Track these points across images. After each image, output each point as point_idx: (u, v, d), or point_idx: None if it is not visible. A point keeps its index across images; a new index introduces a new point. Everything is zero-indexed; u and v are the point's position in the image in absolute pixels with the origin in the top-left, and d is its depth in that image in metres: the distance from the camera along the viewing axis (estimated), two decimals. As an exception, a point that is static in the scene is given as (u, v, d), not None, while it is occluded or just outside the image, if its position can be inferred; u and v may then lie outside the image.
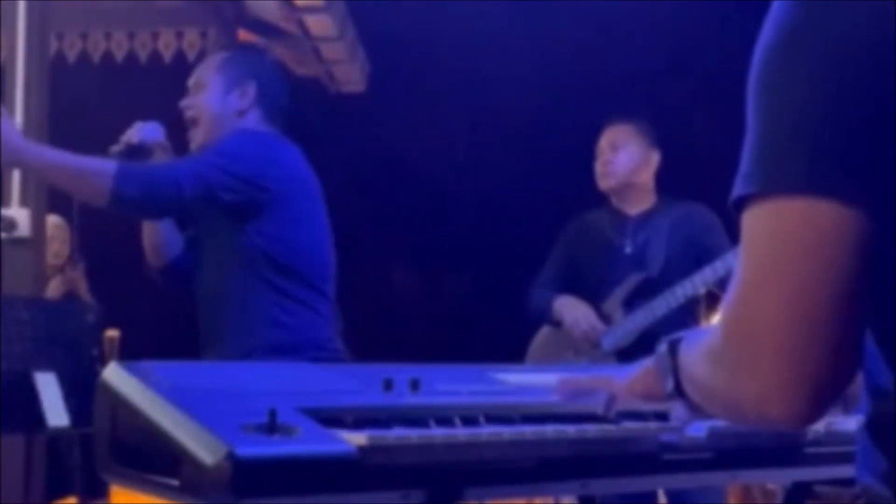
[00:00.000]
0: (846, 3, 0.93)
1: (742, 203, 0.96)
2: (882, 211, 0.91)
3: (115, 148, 3.03)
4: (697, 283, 3.68)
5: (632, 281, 3.85)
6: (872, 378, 1.00)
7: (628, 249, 3.91)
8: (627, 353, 3.73)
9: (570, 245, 4.12)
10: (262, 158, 2.90)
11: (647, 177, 3.97)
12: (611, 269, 3.91)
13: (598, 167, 3.99)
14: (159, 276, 3.19)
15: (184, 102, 3.08)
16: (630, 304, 3.84)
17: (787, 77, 0.94)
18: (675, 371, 1.26)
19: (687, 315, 3.75)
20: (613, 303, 3.87)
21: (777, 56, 0.96)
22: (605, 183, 3.98)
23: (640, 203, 3.96)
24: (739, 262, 0.96)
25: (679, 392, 1.27)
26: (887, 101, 0.90)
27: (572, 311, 3.90)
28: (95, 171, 2.77)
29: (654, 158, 3.98)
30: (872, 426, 1.00)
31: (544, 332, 4.05)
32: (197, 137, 3.04)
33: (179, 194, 2.78)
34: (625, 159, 3.94)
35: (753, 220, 0.95)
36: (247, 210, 2.85)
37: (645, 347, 4.02)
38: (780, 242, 0.93)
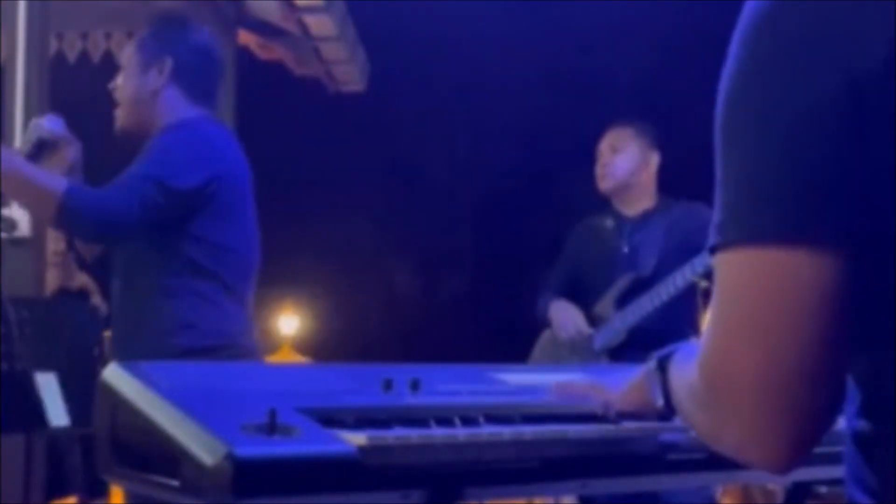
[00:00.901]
0: (816, 39, 0.90)
1: (716, 249, 0.95)
2: (864, 249, 0.89)
3: (23, 148, 2.97)
4: (678, 281, 3.73)
5: (623, 281, 3.92)
6: (871, 391, 0.98)
7: (625, 250, 3.99)
8: (618, 352, 3.83)
9: (574, 248, 4.22)
10: (196, 164, 2.84)
11: (646, 178, 4.03)
12: (609, 270, 4.00)
13: (598, 169, 4.07)
14: (95, 268, 3.17)
15: (110, 84, 3.05)
16: (622, 303, 3.90)
17: (755, 121, 0.92)
18: (665, 390, 1.27)
19: (680, 309, 3.79)
20: (606, 303, 3.95)
21: (744, 98, 0.93)
22: (603, 185, 4.05)
23: (639, 204, 4.02)
24: (713, 310, 0.95)
25: (670, 409, 1.27)
26: (855, 144, 0.88)
27: (560, 315, 3.99)
28: (44, 188, 2.72)
29: (654, 160, 4.03)
30: (864, 442, 0.98)
31: (546, 334, 4.14)
32: (119, 119, 3.00)
33: (129, 221, 2.75)
34: (623, 161, 4.00)
35: (727, 269, 0.93)
36: (181, 217, 2.82)
37: (633, 345, 4.10)
38: (755, 291, 0.91)
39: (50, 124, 2.98)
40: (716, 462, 1.71)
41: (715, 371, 0.95)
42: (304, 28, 6.39)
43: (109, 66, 6.41)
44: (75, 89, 5.82)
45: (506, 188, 9.74)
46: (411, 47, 9.18)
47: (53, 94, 4.01)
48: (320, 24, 6.41)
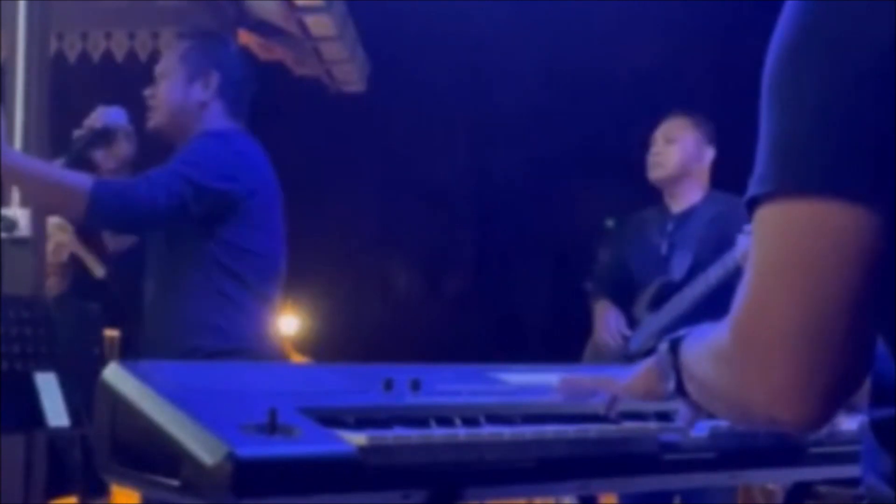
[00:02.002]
0: (862, 4, 0.92)
1: (755, 203, 0.95)
2: None
3: (79, 133, 3.01)
4: (710, 280, 3.66)
5: (655, 284, 3.84)
6: (880, 379, 0.99)
7: (663, 250, 3.88)
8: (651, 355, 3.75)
9: (618, 242, 4.12)
10: (228, 168, 2.90)
11: (698, 172, 3.90)
12: (648, 269, 3.90)
13: (650, 157, 3.93)
14: (116, 263, 3.20)
15: (147, 91, 3.07)
16: (655, 306, 3.83)
17: (801, 78, 0.93)
18: (677, 370, 1.26)
19: (717, 309, 3.70)
20: (640, 306, 3.87)
21: (790, 56, 0.95)
22: (654, 174, 3.93)
23: (686, 199, 3.90)
24: (750, 263, 0.95)
25: (681, 392, 1.27)
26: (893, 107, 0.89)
27: (601, 317, 3.94)
28: (72, 185, 2.76)
29: (708, 155, 3.91)
30: (879, 427, 0.99)
31: (593, 337, 4.07)
32: (153, 119, 3.04)
33: (155, 211, 2.80)
34: (677, 152, 3.88)
35: (765, 221, 0.94)
36: (210, 218, 2.87)
37: None
38: (792, 244, 0.92)
39: (113, 116, 3.03)
40: (716, 462, 1.71)
41: (748, 320, 0.95)
42: (304, 28, 6.39)
43: (109, 66, 6.41)
44: (75, 89, 5.82)
45: (506, 188, 9.74)
46: (411, 47, 9.18)
47: (53, 94, 4.00)
48: (320, 24, 6.41)
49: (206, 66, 3.02)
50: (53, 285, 5.14)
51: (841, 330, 0.91)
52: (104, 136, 3.01)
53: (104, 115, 3.03)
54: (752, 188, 0.95)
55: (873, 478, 0.98)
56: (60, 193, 2.79)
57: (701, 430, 1.63)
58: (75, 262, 5.54)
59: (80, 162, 3.03)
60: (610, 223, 4.85)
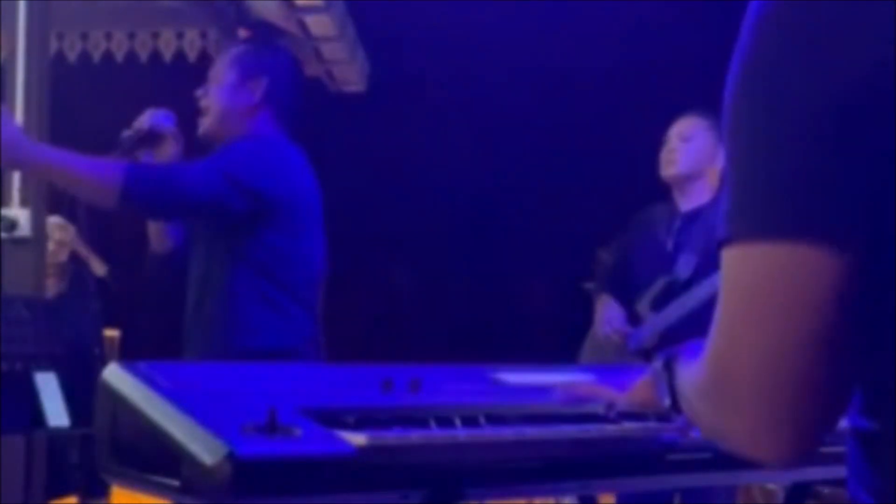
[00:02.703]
0: (837, 25, 0.89)
1: (724, 245, 0.94)
2: (871, 250, 0.89)
3: (127, 133, 3.04)
4: (715, 282, 3.64)
5: (659, 283, 3.83)
6: (870, 387, 0.98)
7: (669, 248, 3.86)
8: (651, 355, 3.72)
9: (627, 237, 4.10)
10: (270, 170, 2.92)
11: (710, 172, 3.87)
12: (653, 267, 3.87)
13: (663, 155, 3.91)
14: (160, 264, 3.21)
15: (198, 92, 3.12)
16: (658, 305, 3.82)
17: (767, 109, 0.91)
18: (672, 390, 1.26)
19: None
20: (644, 304, 3.86)
21: (754, 80, 0.93)
22: (667, 171, 3.90)
23: (695, 198, 3.87)
24: (720, 303, 0.95)
25: (677, 410, 1.27)
26: (859, 145, 0.88)
27: (602, 312, 3.92)
28: (104, 172, 2.77)
29: (721, 155, 3.88)
30: (865, 439, 0.98)
31: (592, 329, 4.06)
32: (204, 125, 3.07)
33: (188, 199, 2.81)
34: (691, 151, 3.85)
35: (734, 262, 0.93)
36: (250, 219, 2.88)
37: (667, 349, 3.93)
38: (759, 287, 0.91)
39: (160, 118, 3.06)
40: (716, 462, 1.71)
41: (718, 367, 0.95)
42: (303, 28, 6.39)
43: (109, 66, 6.42)
44: (75, 89, 5.82)
45: (506, 188, 9.74)
46: (411, 47, 9.18)
47: (53, 94, 4.00)
48: (320, 24, 6.41)
49: (256, 72, 3.05)
50: (52, 285, 5.15)
51: (807, 371, 0.90)
52: (151, 138, 3.04)
53: (151, 118, 3.06)
54: (720, 230, 0.94)
55: (861, 491, 0.97)
56: (94, 179, 2.77)
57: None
58: (76, 262, 5.56)
59: None
60: (602, 253, 4.84)
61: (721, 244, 0.94)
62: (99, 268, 5.72)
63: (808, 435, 0.93)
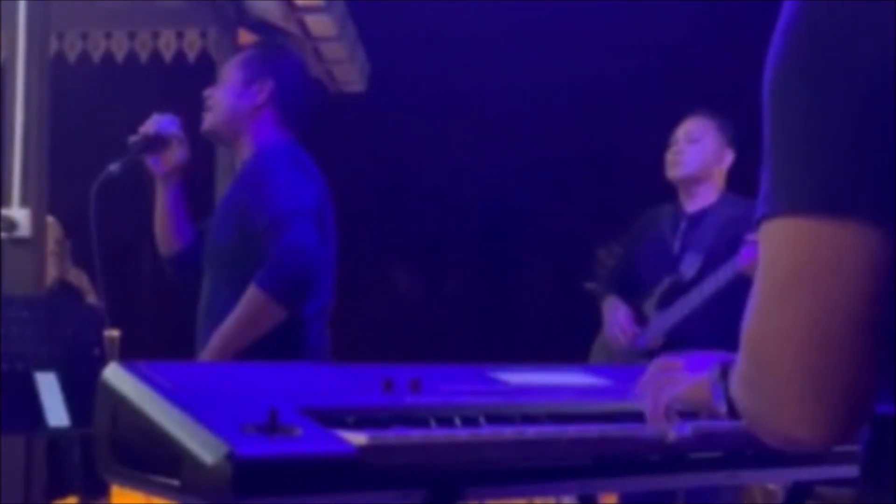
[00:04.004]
0: (860, 8, 0.91)
1: (761, 222, 0.95)
2: None
3: (133, 139, 3.06)
4: (719, 280, 3.64)
5: (665, 283, 3.83)
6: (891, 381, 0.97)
7: (675, 248, 3.86)
8: (658, 354, 3.71)
9: (633, 239, 4.09)
10: (305, 184, 2.97)
11: (716, 175, 3.88)
12: (658, 267, 3.87)
13: (669, 156, 3.90)
14: (170, 266, 3.23)
15: (206, 92, 3.16)
16: (664, 305, 3.82)
17: (800, 94, 0.93)
18: (728, 397, 1.25)
19: (726, 311, 3.67)
20: (650, 304, 3.86)
21: (790, 69, 0.94)
22: (673, 172, 3.90)
23: (701, 200, 3.87)
24: (757, 281, 0.95)
25: (734, 417, 1.26)
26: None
27: (609, 313, 3.92)
28: (257, 308, 2.82)
29: (728, 158, 3.87)
30: (884, 448, 0.98)
31: (602, 331, 4.05)
32: (208, 121, 3.11)
33: (308, 257, 2.87)
34: (697, 153, 3.85)
35: (773, 239, 0.94)
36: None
37: (673, 348, 3.92)
38: (799, 263, 0.91)
39: (167, 123, 3.08)
40: (716, 462, 1.71)
41: (756, 340, 0.95)
42: (303, 28, 6.39)
43: (109, 66, 6.41)
44: (75, 89, 5.82)
45: (506, 188, 9.74)
46: (411, 47, 9.18)
47: (53, 94, 4.00)
48: (320, 24, 6.41)
49: (262, 73, 3.09)
50: (52, 266, 5.09)
51: (848, 348, 0.90)
52: (157, 143, 3.06)
53: (157, 123, 3.08)
54: (760, 207, 0.95)
55: (882, 482, 0.97)
56: (258, 320, 2.84)
57: (701, 430, 1.63)
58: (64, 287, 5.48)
59: (133, 167, 3.07)
60: (602, 253, 4.83)
61: (759, 221, 0.95)
62: (90, 295, 5.61)
63: (846, 414, 0.92)
